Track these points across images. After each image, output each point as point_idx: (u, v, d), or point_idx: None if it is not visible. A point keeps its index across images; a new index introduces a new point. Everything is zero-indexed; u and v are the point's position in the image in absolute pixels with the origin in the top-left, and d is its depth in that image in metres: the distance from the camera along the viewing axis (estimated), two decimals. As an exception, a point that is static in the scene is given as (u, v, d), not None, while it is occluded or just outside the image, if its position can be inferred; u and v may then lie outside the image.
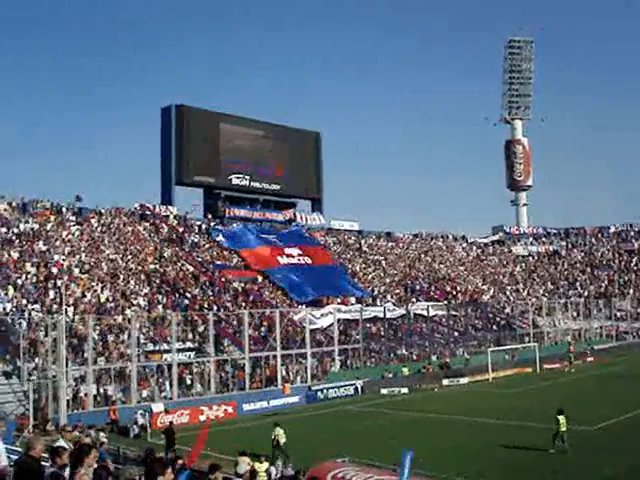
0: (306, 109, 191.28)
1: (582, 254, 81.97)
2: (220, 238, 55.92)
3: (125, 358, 33.04)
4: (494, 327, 57.77)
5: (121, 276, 42.44)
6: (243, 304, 44.35)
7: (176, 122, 59.05)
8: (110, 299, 39.12)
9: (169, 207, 56.84)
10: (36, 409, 28.06)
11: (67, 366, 29.32)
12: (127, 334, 34.49)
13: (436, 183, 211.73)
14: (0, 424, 10.34)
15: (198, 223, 58.14)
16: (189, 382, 34.52)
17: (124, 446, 20.93)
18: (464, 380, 41.60)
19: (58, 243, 43.55)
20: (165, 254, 49.01)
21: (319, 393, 36.61)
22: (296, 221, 64.78)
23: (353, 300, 52.51)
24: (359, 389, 38.37)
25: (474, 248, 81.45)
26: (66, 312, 31.82)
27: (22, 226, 43.92)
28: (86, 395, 29.97)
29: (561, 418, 20.63)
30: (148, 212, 54.88)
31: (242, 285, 48.67)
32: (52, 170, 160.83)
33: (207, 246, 54.43)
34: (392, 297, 56.95)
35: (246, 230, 57.95)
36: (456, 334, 53.08)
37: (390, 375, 41.05)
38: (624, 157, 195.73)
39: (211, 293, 45.55)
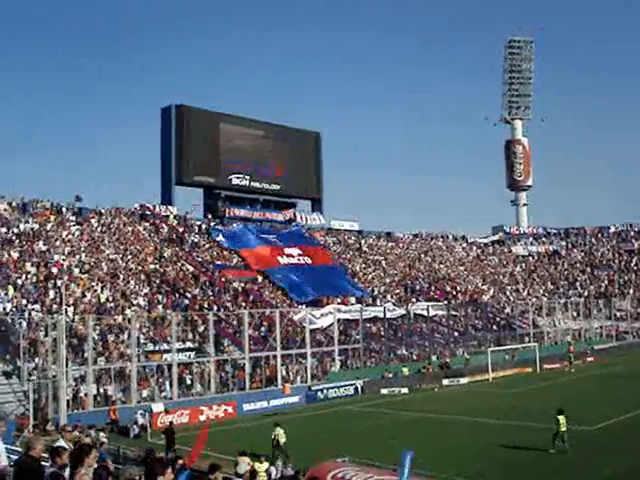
0: (306, 109, 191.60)
1: (582, 254, 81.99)
2: (220, 238, 55.93)
3: (125, 358, 33.05)
4: (494, 327, 57.77)
5: (121, 276, 42.45)
6: (243, 304, 44.36)
7: (176, 122, 59.06)
8: (110, 299, 39.13)
9: (169, 207, 56.85)
10: (36, 409, 28.07)
11: (67, 366, 29.32)
12: (127, 334, 34.49)
13: (436, 183, 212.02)
14: (0, 424, 10.33)
15: (198, 223, 58.15)
16: (189, 382, 34.52)
17: (124, 446, 20.92)
18: (464, 380, 41.60)
19: (58, 243, 43.56)
20: (165, 254, 49.02)
21: (319, 393, 36.61)
22: (296, 221, 64.79)
23: (353, 300, 52.51)
24: (359, 389, 38.37)
25: (474, 248, 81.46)
26: (66, 312, 31.82)
27: (22, 226, 43.93)
28: (86, 395, 29.98)
29: (561, 418, 20.63)
30: (148, 212, 54.89)
31: (242, 285, 48.68)
32: (52, 170, 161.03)
33: (207, 246, 54.44)
34: (392, 297, 56.95)
35: (246, 230, 57.96)
36: (456, 334, 53.09)
37: (390, 375, 41.05)
38: (624, 157, 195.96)
39: (211, 293, 45.56)
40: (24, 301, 35.48)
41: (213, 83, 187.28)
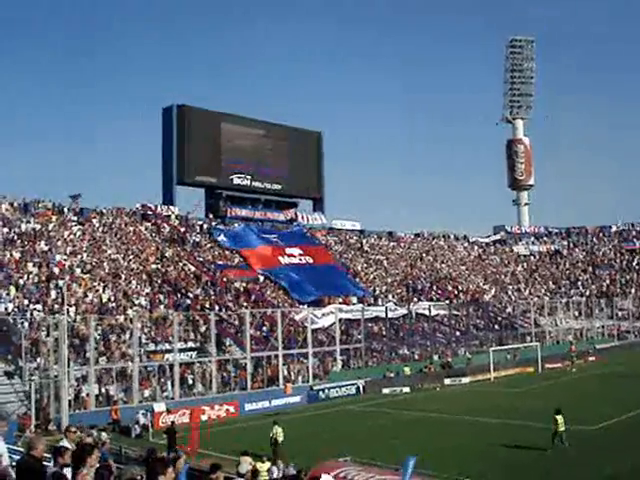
0: (308, 109, 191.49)
1: (584, 253, 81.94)
2: (222, 238, 55.93)
3: (127, 358, 33.07)
4: (496, 327, 57.77)
5: (123, 276, 42.48)
6: (245, 304, 44.37)
7: (177, 122, 59.07)
8: (112, 299, 39.15)
9: (170, 207, 56.88)
10: (38, 409, 28.10)
11: (69, 366, 29.33)
12: (129, 334, 34.51)
13: (437, 183, 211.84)
14: (2, 424, 10.36)
15: (200, 223, 58.17)
16: (191, 382, 34.53)
17: (126, 446, 20.95)
18: (466, 380, 41.60)
19: (60, 243, 43.58)
20: (167, 254, 49.05)
21: (321, 393, 36.61)
22: (297, 221, 64.78)
23: (355, 300, 52.52)
24: (361, 389, 38.38)
25: (476, 248, 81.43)
26: (68, 312, 31.88)
27: (24, 226, 43.97)
28: (88, 395, 29.98)
29: (559, 418, 20.66)
30: (150, 212, 54.94)
31: (244, 285, 48.70)
32: (53, 170, 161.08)
33: (209, 246, 54.46)
34: (394, 297, 56.93)
35: (248, 230, 57.98)
36: (458, 334, 53.07)
37: (392, 375, 41.03)
38: (626, 156, 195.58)
39: (213, 293, 45.58)
40: (26, 301, 35.52)
41: (214, 83, 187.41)
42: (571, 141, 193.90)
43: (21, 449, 10.58)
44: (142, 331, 35.85)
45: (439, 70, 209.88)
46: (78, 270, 40.83)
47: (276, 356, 36.95)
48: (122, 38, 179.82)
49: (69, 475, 6.21)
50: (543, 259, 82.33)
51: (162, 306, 40.88)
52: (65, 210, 49.10)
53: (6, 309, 34.15)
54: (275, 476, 16.64)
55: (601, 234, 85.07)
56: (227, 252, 54.59)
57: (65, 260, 41.16)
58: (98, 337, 33.74)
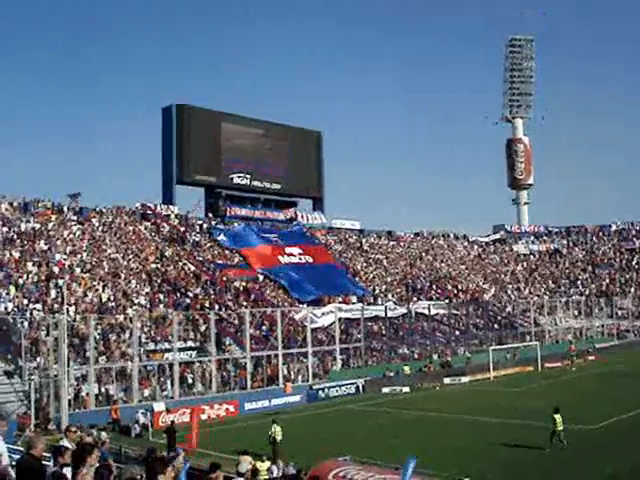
0: (307, 108, 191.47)
1: (583, 252, 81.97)
2: (221, 237, 55.93)
3: (126, 357, 33.05)
4: (495, 326, 57.78)
5: (122, 275, 42.47)
6: (244, 303, 44.37)
7: (177, 121, 59.05)
8: (111, 298, 39.14)
9: (170, 206, 56.87)
10: (38, 408, 28.08)
11: (68, 365, 29.32)
12: (128, 333, 34.49)
13: (437, 182, 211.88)
14: (1, 423, 10.35)
15: (199, 222, 58.16)
16: (190, 381, 34.53)
17: (126, 445, 20.97)
18: (465, 379, 41.60)
19: (59, 242, 43.56)
20: (166, 253, 49.04)
21: (320, 392, 36.61)
22: (297, 220, 64.78)
23: (354, 299, 52.51)
24: (360, 388, 38.38)
25: (475, 247, 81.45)
26: (67, 311, 31.87)
27: (23, 226, 43.95)
28: (87, 394, 29.98)
29: (557, 417, 20.66)
30: (149, 211, 54.94)
31: (243, 284, 48.69)
32: (53, 170, 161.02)
33: (208, 245, 54.45)
34: (393, 296, 56.93)
35: (247, 229, 57.98)
36: (457, 333, 53.09)
37: (391, 374, 41.04)
38: (625, 155, 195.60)
39: (212, 292, 45.57)
40: (25, 301, 35.51)
41: (214, 82, 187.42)
42: (571, 140, 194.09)
43: (21, 448, 10.57)
44: (142, 330, 35.84)
45: (439, 70, 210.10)
46: (78, 269, 40.82)
47: (276, 355, 36.96)
48: (122, 38, 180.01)
49: (69, 475, 6.21)
50: (543, 258, 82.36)
51: (162, 305, 40.87)
52: (65, 209, 49.09)
53: (6, 308, 34.14)
54: (275, 475, 16.64)
55: (601, 233, 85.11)
56: (227, 251, 54.59)
57: (65, 259, 41.15)
58: (98, 336, 33.73)
